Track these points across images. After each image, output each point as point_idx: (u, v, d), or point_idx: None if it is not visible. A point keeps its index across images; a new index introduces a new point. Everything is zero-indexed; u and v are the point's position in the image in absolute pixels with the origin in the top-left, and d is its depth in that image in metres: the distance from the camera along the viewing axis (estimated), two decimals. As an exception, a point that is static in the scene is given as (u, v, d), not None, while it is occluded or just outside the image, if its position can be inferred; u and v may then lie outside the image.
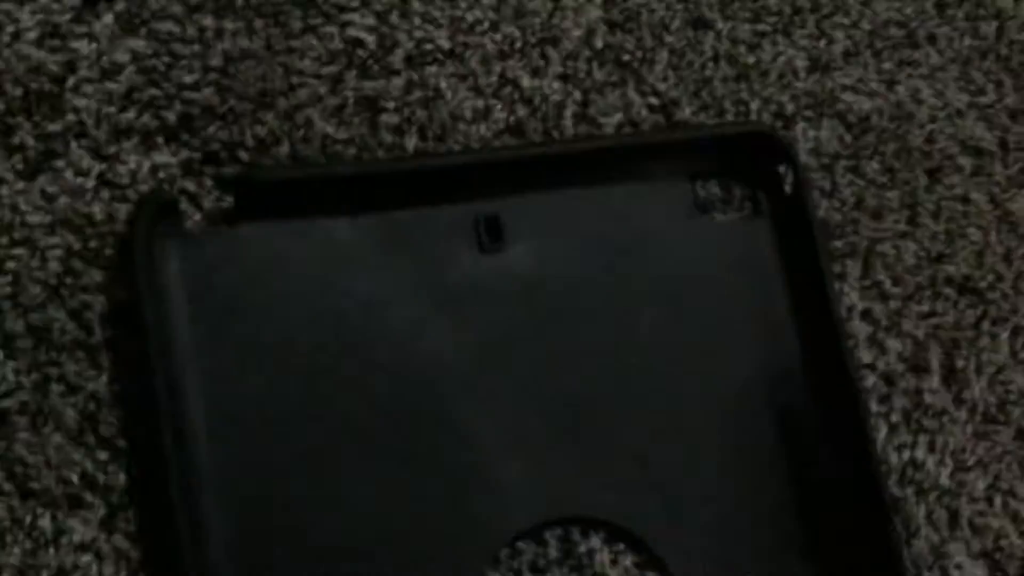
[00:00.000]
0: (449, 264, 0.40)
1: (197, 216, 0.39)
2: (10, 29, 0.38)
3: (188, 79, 0.40)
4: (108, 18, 0.39)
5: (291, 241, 0.38)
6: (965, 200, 0.51)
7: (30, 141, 0.38)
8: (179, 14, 0.40)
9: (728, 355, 0.44)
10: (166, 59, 0.40)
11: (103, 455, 0.36)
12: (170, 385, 0.35)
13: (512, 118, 0.44)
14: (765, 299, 0.45)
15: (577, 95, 0.46)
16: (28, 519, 0.35)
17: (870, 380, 0.46)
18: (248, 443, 0.36)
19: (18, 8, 0.39)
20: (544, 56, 0.46)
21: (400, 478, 0.38)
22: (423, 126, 0.43)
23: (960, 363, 0.48)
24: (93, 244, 0.37)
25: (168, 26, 0.40)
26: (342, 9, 0.43)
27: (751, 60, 0.49)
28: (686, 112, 0.47)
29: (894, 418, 0.46)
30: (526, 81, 0.45)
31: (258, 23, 0.41)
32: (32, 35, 0.38)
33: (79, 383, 0.36)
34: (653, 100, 0.47)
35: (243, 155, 0.40)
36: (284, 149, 0.40)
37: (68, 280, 0.37)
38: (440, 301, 0.39)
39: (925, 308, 0.48)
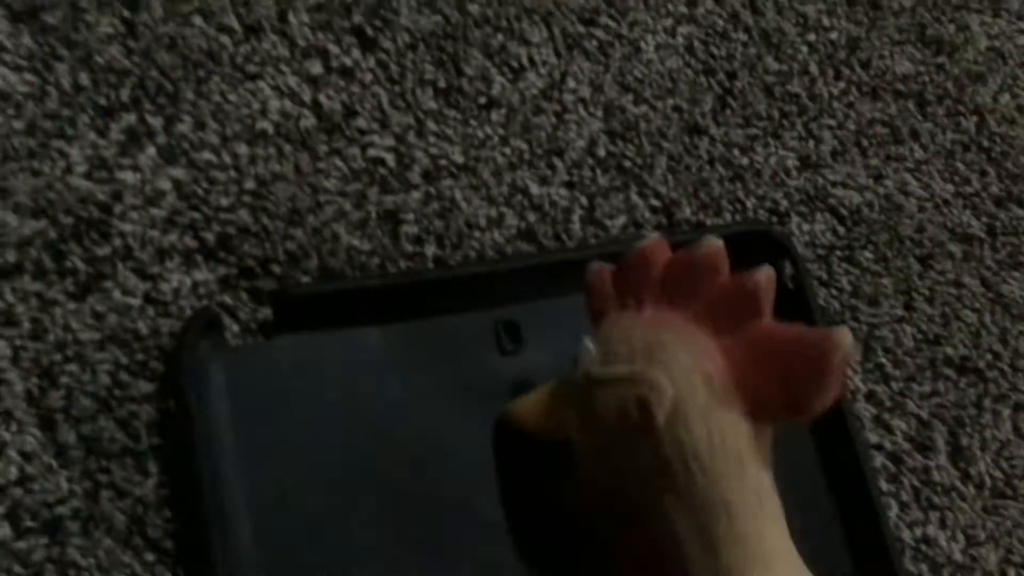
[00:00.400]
0: (472, 367, 0.42)
1: (235, 327, 0.41)
2: (61, 164, 0.41)
3: (225, 202, 0.43)
4: (151, 150, 0.42)
5: (325, 350, 0.40)
6: (958, 284, 0.53)
7: (81, 265, 0.40)
8: (216, 144, 0.43)
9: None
10: (204, 185, 0.43)
11: (150, 556, 0.38)
12: (215, 487, 0.37)
13: (523, 224, 0.47)
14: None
15: (583, 200, 0.49)
16: (80, 622, 0.37)
17: (878, 460, 0.48)
18: (289, 540, 0.38)
19: (68, 145, 0.42)
20: (551, 166, 0.49)
21: (429, 568, 0.39)
22: (441, 235, 0.46)
23: (965, 440, 0.50)
24: (139, 357, 0.40)
25: (206, 155, 0.43)
26: (363, 132, 0.46)
27: (744, 161, 0.52)
28: (686, 212, 0.50)
29: (904, 496, 0.48)
30: (535, 189, 0.48)
31: (287, 148, 0.45)
32: (81, 168, 0.42)
33: (127, 488, 0.38)
34: (655, 202, 0.50)
35: (276, 269, 0.43)
36: (313, 262, 0.43)
37: (116, 392, 0.39)
38: (464, 401, 0.41)
39: (927, 388, 0.50)
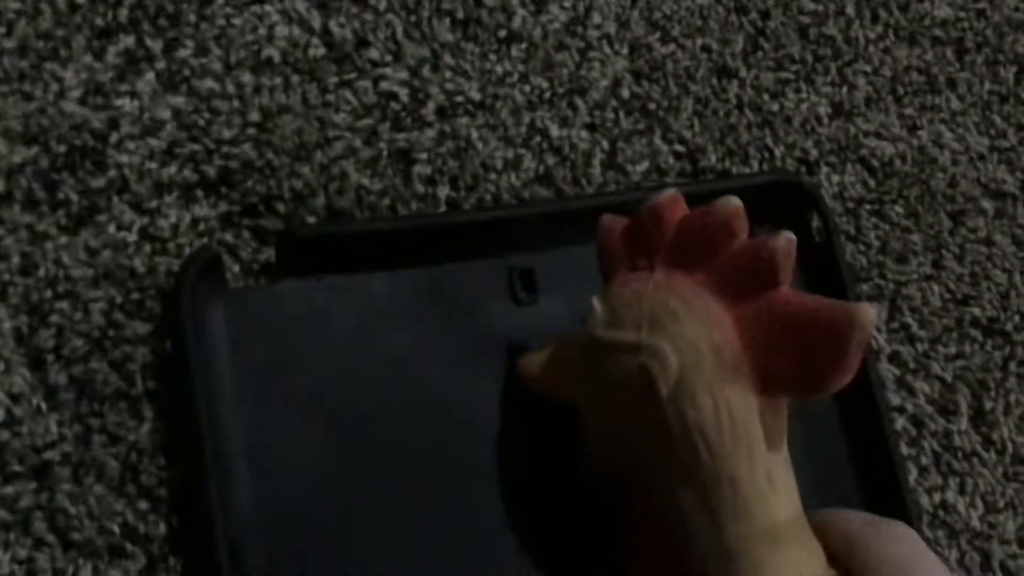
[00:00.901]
0: (484, 316, 0.40)
1: (236, 267, 0.39)
2: (54, 88, 0.39)
3: (227, 134, 0.40)
4: (150, 76, 0.40)
5: (330, 295, 0.38)
6: (989, 243, 0.51)
7: (74, 197, 0.38)
8: (219, 71, 0.41)
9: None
10: (206, 115, 0.40)
11: (144, 505, 0.36)
12: (214, 434, 0.35)
13: (541, 167, 0.45)
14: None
15: (605, 144, 0.46)
16: (70, 570, 0.35)
17: (899, 423, 0.47)
18: (288, 490, 0.36)
19: (62, 67, 0.39)
20: (572, 106, 0.46)
21: (433, 525, 0.38)
22: (455, 176, 0.43)
23: (988, 405, 0.48)
24: (135, 297, 0.38)
25: (208, 83, 0.41)
26: (375, 64, 0.44)
27: (775, 107, 0.49)
28: (712, 159, 0.47)
29: (924, 460, 0.47)
30: (555, 131, 0.46)
31: (295, 79, 0.42)
32: (76, 93, 0.39)
33: (120, 433, 0.36)
34: (679, 147, 0.47)
35: (280, 207, 0.40)
36: (320, 201, 0.41)
37: (110, 332, 0.37)
38: (476, 352, 0.39)
39: (952, 350, 0.49)
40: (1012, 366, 0.49)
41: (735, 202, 0.33)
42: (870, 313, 0.30)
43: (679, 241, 0.34)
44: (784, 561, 0.32)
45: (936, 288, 0.49)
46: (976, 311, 0.50)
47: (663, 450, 0.33)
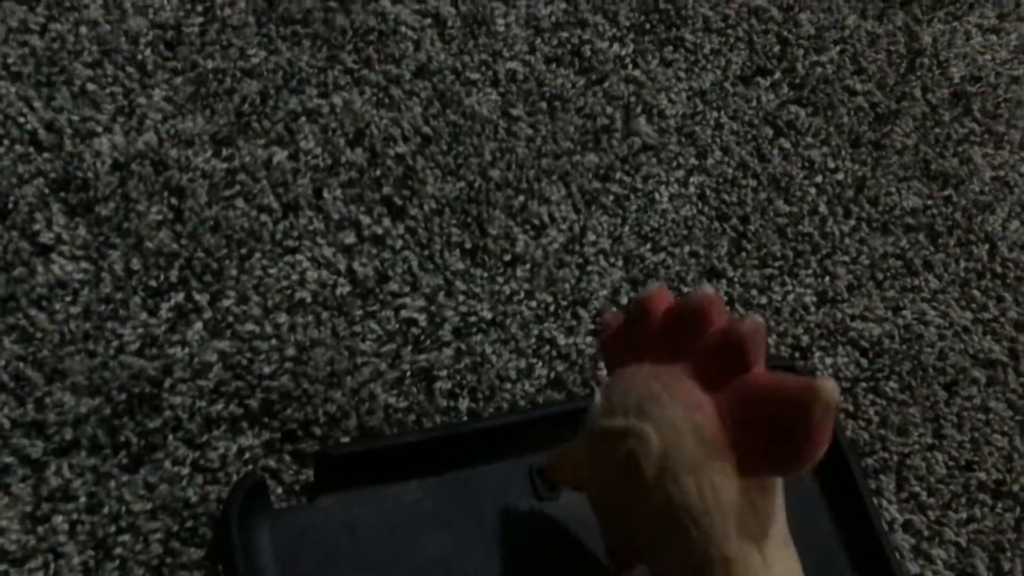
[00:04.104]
0: (509, 514, 0.43)
1: (279, 489, 0.43)
2: (114, 344, 0.44)
3: (267, 370, 0.45)
4: (198, 325, 0.45)
5: (365, 507, 0.42)
6: (985, 409, 0.54)
7: (133, 438, 0.43)
8: (258, 315, 0.46)
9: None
10: (248, 355, 0.45)
11: None
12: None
13: (552, 373, 0.49)
14: (811, 521, 0.47)
15: (610, 348, 0.50)
16: None
17: (921, 591, 0.48)
18: None
19: (120, 325, 0.45)
20: (576, 316, 0.51)
21: None
22: (473, 388, 0.48)
23: (1007, 566, 0.50)
24: (189, 524, 0.41)
25: (249, 326, 0.46)
26: (396, 295, 0.49)
27: (763, 300, 0.54)
28: (711, 353, 0.51)
29: (951, 627, 0.48)
30: (562, 339, 0.50)
31: (325, 315, 0.47)
32: (133, 347, 0.44)
33: (180, 656, 0.39)
34: (679, 345, 0.51)
35: (317, 431, 0.44)
36: (352, 422, 0.45)
37: (168, 560, 0.41)
38: (503, 549, 0.42)
39: (964, 515, 0.51)
40: (1026, 526, 0.51)
41: (708, 290, 0.35)
42: (830, 385, 0.31)
43: (664, 331, 0.36)
44: None
45: (939, 456, 0.52)
46: (982, 475, 0.52)
47: (660, 533, 0.34)
